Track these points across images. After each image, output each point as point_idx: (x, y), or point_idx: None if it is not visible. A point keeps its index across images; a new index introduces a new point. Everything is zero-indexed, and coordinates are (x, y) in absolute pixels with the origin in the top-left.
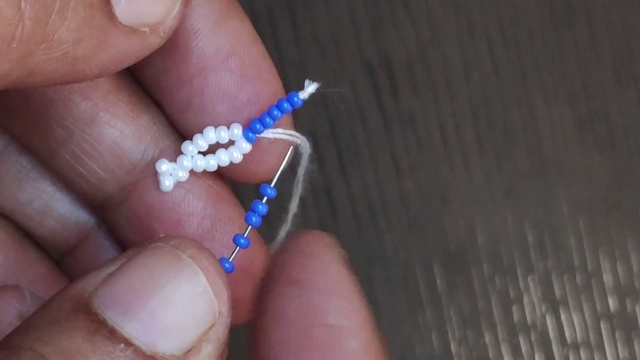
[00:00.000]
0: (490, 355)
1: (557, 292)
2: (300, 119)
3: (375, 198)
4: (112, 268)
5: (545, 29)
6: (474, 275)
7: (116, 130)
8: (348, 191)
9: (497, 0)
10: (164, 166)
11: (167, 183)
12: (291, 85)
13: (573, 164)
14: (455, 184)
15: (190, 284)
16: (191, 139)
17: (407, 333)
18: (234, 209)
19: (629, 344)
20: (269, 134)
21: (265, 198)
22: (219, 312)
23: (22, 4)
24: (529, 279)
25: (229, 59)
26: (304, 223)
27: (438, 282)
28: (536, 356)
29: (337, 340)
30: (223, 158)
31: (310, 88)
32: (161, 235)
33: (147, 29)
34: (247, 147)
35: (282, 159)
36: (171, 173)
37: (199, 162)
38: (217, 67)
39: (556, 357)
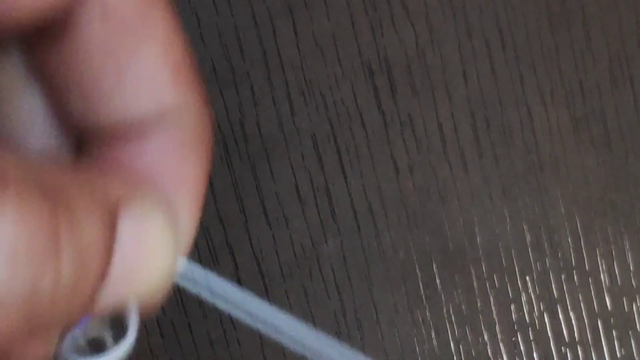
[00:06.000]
0: (489, 353)
1: (555, 291)
2: (301, 119)
3: (375, 198)
4: None
5: (543, 31)
6: (472, 274)
7: None
8: (348, 191)
9: (495, 3)
10: None
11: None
12: (292, 87)
13: (570, 164)
14: (454, 184)
15: None
16: None
17: (406, 332)
18: None
19: (626, 343)
20: None
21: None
22: None
23: None
24: (526, 278)
25: None
26: (304, 223)
27: (437, 281)
28: (534, 355)
29: None
30: None
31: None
32: None
33: None
34: None
35: None
36: None
37: None
38: None
39: (554, 356)
